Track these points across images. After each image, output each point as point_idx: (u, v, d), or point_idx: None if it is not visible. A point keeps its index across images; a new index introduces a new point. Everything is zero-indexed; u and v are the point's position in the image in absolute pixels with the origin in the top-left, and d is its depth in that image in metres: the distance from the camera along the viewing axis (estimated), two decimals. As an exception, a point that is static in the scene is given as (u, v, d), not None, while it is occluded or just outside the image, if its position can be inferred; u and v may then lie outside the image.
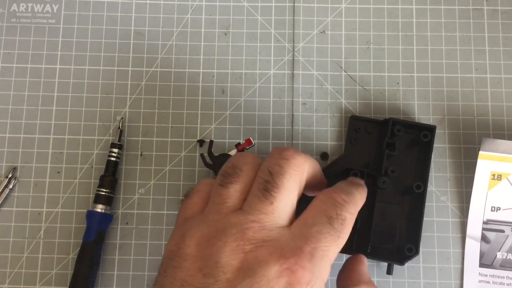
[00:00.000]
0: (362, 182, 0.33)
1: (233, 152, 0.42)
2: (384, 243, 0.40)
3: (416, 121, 0.43)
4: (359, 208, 0.30)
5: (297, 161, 0.29)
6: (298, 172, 0.29)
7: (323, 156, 0.43)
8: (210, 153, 0.42)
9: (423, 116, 0.44)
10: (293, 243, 0.26)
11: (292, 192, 0.28)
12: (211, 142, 0.42)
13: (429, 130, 0.41)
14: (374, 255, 0.40)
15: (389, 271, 0.40)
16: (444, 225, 0.42)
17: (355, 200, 0.30)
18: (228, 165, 0.30)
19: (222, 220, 0.27)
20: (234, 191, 0.28)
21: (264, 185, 0.28)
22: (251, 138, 0.42)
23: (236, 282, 0.24)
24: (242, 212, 0.27)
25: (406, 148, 0.42)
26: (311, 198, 0.30)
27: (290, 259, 0.25)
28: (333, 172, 0.41)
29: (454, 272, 0.41)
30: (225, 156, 0.41)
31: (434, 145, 0.42)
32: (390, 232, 0.40)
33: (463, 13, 0.46)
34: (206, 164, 0.42)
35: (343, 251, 0.40)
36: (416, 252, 0.40)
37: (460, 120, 0.44)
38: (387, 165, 0.40)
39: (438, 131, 0.43)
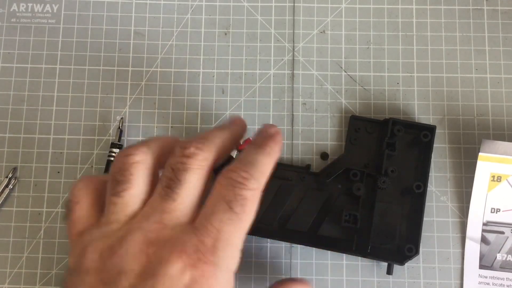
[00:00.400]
0: (272, 133, 0.31)
1: (233, 152, 0.42)
2: (384, 243, 0.40)
3: (416, 121, 0.43)
4: (267, 175, 0.28)
5: (200, 155, 0.27)
6: (202, 166, 0.28)
7: (323, 156, 0.43)
8: (210, 153, 0.42)
9: (423, 116, 0.44)
10: (195, 238, 0.25)
11: (197, 187, 0.27)
12: (211, 142, 0.42)
13: (429, 130, 0.41)
14: (374, 255, 0.40)
15: (389, 271, 0.40)
16: (444, 225, 0.42)
17: (259, 170, 0.28)
18: (115, 170, 0.28)
19: (123, 228, 0.26)
20: (129, 198, 0.27)
21: (167, 183, 0.27)
22: (251, 138, 0.42)
23: (139, 286, 0.24)
24: (144, 215, 0.26)
25: (406, 148, 0.42)
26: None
27: (192, 255, 0.24)
28: (333, 172, 0.41)
29: (454, 272, 0.41)
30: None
31: (434, 145, 0.42)
32: (390, 232, 0.40)
33: (463, 13, 0.46)
34: (206, 164, 0.41)
35: (342, 251, 0.41)
36: (416, 252, 0.40)
37: (460, 120, 0.44)
38: (387, 165, 0.40)
39: (438, 131, 0.43)
